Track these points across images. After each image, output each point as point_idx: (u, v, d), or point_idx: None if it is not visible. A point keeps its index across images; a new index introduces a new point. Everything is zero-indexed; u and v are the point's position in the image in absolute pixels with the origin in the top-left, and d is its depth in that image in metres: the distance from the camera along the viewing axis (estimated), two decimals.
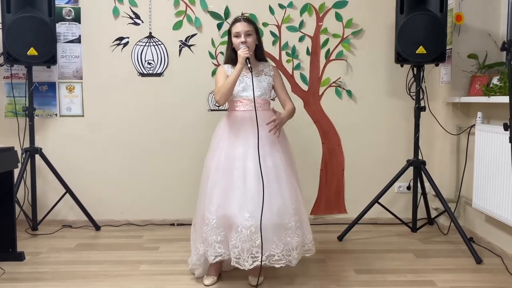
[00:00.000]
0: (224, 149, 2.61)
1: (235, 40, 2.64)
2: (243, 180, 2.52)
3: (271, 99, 3.90)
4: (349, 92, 3.80)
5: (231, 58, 2.69)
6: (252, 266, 2.47)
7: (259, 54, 2.75)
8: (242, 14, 3.67)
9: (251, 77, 2.59)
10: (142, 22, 3.76)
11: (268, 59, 2.89)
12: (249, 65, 2.54)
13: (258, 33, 2.71)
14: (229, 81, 2.58)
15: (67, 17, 3.74)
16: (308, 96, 3.81)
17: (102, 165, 3.82)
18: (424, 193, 3.62)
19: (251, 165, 2.51)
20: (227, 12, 3.71)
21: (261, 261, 2.45)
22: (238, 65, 2.57)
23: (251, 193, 2.49)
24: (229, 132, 2.65)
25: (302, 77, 3.80)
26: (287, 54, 3.78)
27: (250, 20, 2.70)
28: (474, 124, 3.33)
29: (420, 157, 3.50)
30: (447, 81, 3.63)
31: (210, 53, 3.76)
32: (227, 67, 2.71)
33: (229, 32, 2.71)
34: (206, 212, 2.55)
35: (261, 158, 2.50)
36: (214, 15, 3.74)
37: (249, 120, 2.59)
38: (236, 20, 2.67)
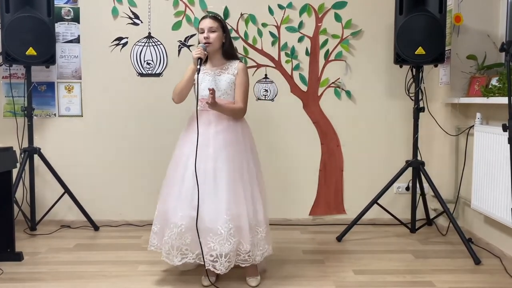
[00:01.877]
0: (177, 148, 2.69)
1: (199, 37, 2.67)
2: (182, 179, 2.56)
3: (271, 100, 3.89)
4: (348, 93, 3.80)
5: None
6: (180, 263, 2.53)
7: (225, 52, 2.71)
8: (241, 14, 3.67)
9: (204, 77, 2.63)
10: (141, 22, 3.76)
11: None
12: (198, 66, 2.54)
13: (226, 31, 2.70)
14: (181, 81, 2.65)
15: (66, 17, 3.73)
16: (307, 97, 3.81)
17: (101, 165, 3.81)
18: (423, 194, 3.62)
19: (192, 165, 2.52)
20: (226, 13, 3.71)
21: (204, 261, 2.49)
22: (191, 65, 2.61)
23: (186, 193, 2.52)
24: (185, 131, 2.70)
25: (301, 77, 3.80)
26: (286, 54, 3.78)
27: (216, 17, 2.69)
28: (473, 125, 3.33)
29: (419, 158, 3.50)
30: (446, 82, 3.63)
31: None
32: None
33: (198, 30, 2.74)
34: (158, 203, 2.68)
35: (203, 160, 2.52)
36: (208, 14, 3.73)
37: (201, 120, 2.58)
38: (203, 17, 2.70)
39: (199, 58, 2.55)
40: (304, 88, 3.81)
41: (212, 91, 2.45)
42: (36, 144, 3.64)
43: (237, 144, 2.62)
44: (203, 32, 2.64)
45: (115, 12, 3.73)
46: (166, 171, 2.72)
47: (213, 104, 2.49)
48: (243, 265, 2.55)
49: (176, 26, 3.75)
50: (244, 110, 2.69)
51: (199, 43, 2.69)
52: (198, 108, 2.63)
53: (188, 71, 2.65)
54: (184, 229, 2.48)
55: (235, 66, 2.70)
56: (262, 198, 2.66)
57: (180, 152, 2.64)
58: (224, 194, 2.51)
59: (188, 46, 3.76)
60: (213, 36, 2.63)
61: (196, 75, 2.57)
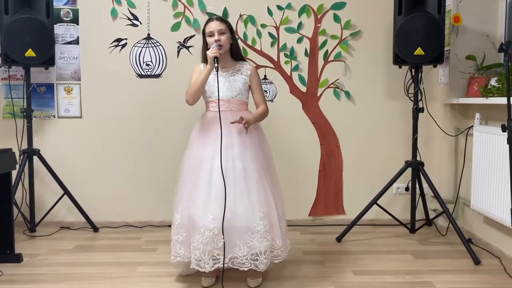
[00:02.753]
0: (195, 150, 2.64)
1: (209, 40, 2.66)
2: (209, 181, 2.52)
3: (270, 100, 3.90)
4: (347, 94, 3.81)
5: (206, 58, 2.69)
6: (212, 269, 2.47)
7: (235, 53, 2.74)
8: (241, 15, 3.68)
9: (218, 76, 2.59)
10: (140, 23, 3.76)
11: (248, 60, 2.86)
12: (216, 64, 2.54)
13: (232, 32, 2.72)
14: (197, 82, 2.61)
15: (65, 19, 3.73)
16: (307, 98, 3.81)
17: (100, 167, 3.81)
18: (422, 194, 3.62)
19: (218, 166, 2.50)
20: (225, 14, 3.71)
21: (223, 264, 2.45)
22: (208, 66, 2.58)
23: (215, 195, 2.48)
24: (201, 133, 2.66)
25: (301, 78, 3.80)
26: (286, 55, 3.78)
27: (223, 19, 2.72)
28: (472, 125, 3.33)
29: (418, 158, 3.50)
30: (445, 82, 3.63)
31: None
32: (203, 66, 2.71)
33: (203, 33, 2.72)
34: (174, 211, 2.60)
35: (230, 159, 2.52)
36: (213, 16, 3.74)
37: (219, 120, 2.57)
38: (209, 20, 2.70)
39: (216, 57, 2.55)
40: (303, 88, 3.81)
41: (240, 119, 2.52)
42: (36, 145, 3.64)
43: (258, 142, 2.66)
44: (212, 35, 2.63)
45: (114, 14, 3.74)
46: (182, 175, 2.64)
47: (250, 123, 2.57)
48: (276, 261, 2.60)
49: (175, 27, 3.75)
50: (268, 108, 2.75)
51: (207, 45, 2.68)
52: (212, 109, 2.66)
53: (203, 72, 2.61)
54: (217, 231, 2.43)
55: (247, 67, 2.74)
56: (279, 193, 2.70)
57: (201, 154, 2.59)
58: (256, 192, 2.53)
59: (187, 47, 3.76)
60: (223, 38, 2.63)
61: (215, 73, 2.57)
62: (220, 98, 2.60)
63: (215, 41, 2.61)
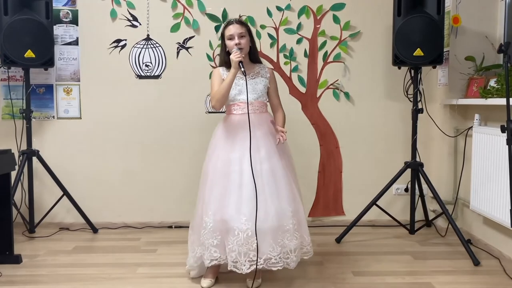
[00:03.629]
0: (221, 153, 2.62)
1: (228, 43, 2.65)
2: (239, 183, 2.52)
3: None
4: (346, 94, 3.81)
5: (225, 61, 2.69)
6: (249, 270, 2.47)
7: (253, 56, 2.75)
8: (240, 16, 3.68)
9: (246, 80, 2.59)
10: (140, 24, 3.76)
11: (265, 61, 2.88)
12: (242, 69, 2.54)
13: (251, 35, 2.71)
14: (224, 87, 2.60)
15: (64, 19, 3.73)
16: (306, 98, 3.82)
17: (100, 168, 3.81)
18: (421, 195, 3.62)
19: (247, 168, 2.51)
20: (224, 15, 3.72)
21: (256, 265, 2.45)
22: (232, 70, 2.57)
23: (247, 197, 2.49)
24: (226, 136, 2.65)
25: (300, 79, 3.80)
26: (285, 56, 3.79)
27: (243, 22, 2.71)
28: (472, 126, 3.33)
29: (417, 159, 3.50)
30: (444, 83, 3.64)
31: (207, 55, 3.76)
32: (222, 70, 2.71)
33: (222, 36, 2.71)
34: (204, 215, 2.56)
35: (258, 161, 2.54)
36: (212, 17, 3.74)
37: (245, 124, 2.57)
38: (229, 23, 2.68)
39: (241, 61, 2.55)
40: (302, 89, 3.81)
41: (280, 135, 2.61)
42: (35, 146, 3.64)
43: (279, 144, 2.66)
44: (231, 39, 2.63)
45: (113, 14, 3.74)
46: (208, 179, 2.62)
47: (285, 133, 2.63)
48: (305, 257, 2.64)
49: (175, 28, 3.75)
50: (285, 113, 2.83)
51: (225, 48, 2.68)
52: (235, 112, 2.67)
53: (228, 77, 2.60)
54: (251, 233, 2.45)
55: (265, 70, 2.77)
56: (299, 191, 2.74)
57: (229, 157, 2.59)
58: (284, 192, 2.57)
59: (187, 48, 3.76)
60: (243, 41, 2.63)
61: (243, 77, 2.59)
62: (243, 101, 2.63)
63: (236, 44, 2.60)
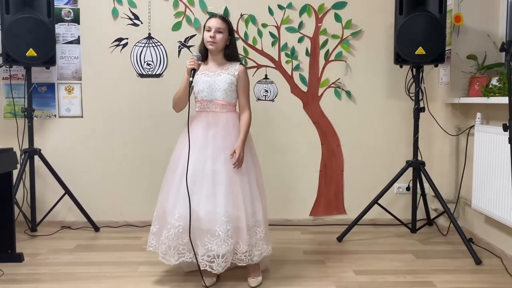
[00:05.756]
0: (179, 147, 2.68)
1: (205, 34, 2.65)
2: (180, 180, 2.55)
3: (271, 100, 3.89)
4: (348, 93, 3.80)
5: (201, 52, 2.69)
6: (177, 262, 2.54)
7: (230, 54, 2.70)
8: (241, 15, 3.67)
9: (209, 80, 2.62)
10: (141, 23, 3.76)
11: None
12: (191, 78, 2.53)
13: (232, 34, 2.70)
14: (178, 92, 2.69)
15: (66, 18, 3.74)
16: (307, 97, 3.81)
17: (101, 166, 3.81)
18: (423, 194, 3.62)
19: (192, 166, 2.53)
20: (226, 13, 3.71)
21: (196, 259, 2.51)
22: (185, 75, 2.62)
23: (184, 195, 2.50)
24: (185, 132, 2.67)
25: (302, 78, 3.80)
26: (286, 55, 3.78)
27: (225, 18, 2.70)
28: (473, 125, 3.33)
29: (419, 158, 3.50)
30: (446, 82, 3.63)
31: None
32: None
33: (204, 27, 2.71)
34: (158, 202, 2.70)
35: (202, 161, 2.55)
36: (217, 14, 3.74)
37: (200, 121, 2.61)
38: (211, 16, 2.70)
39: (193, 69, 2.54)
40: (304, 88, 3.81)
41: (233, 153, 2.53)
42: (37, 145, 3.64)
43: (246, 145, 2.62)
44: (209, 31, 2.63)
45: (115, 13, 3.73)
46: (166, 172, 2.73)
47: (239, 150, 2.54)
48: (239, 264, 2.56)
49: (176, 26, 3.75)
50: (251, 114, 2.70)
51: (202, 42, 2.68)
52: (196, 109, 2.70)
53: (182, 83, 2.65)
54: (182, 229, 2.49)
55: (236, 67, 2.69)
56: (262, 198, 2.66)
57: (179, 154, 2.65)
58: (223, 196, 2.51)
59: (188, 47, 3.76)
60: (219, 36, 2.62)
61: (207, 73, 2.62)
62: (202, 98, 2.65)
63: (210, 37, 2.61)
